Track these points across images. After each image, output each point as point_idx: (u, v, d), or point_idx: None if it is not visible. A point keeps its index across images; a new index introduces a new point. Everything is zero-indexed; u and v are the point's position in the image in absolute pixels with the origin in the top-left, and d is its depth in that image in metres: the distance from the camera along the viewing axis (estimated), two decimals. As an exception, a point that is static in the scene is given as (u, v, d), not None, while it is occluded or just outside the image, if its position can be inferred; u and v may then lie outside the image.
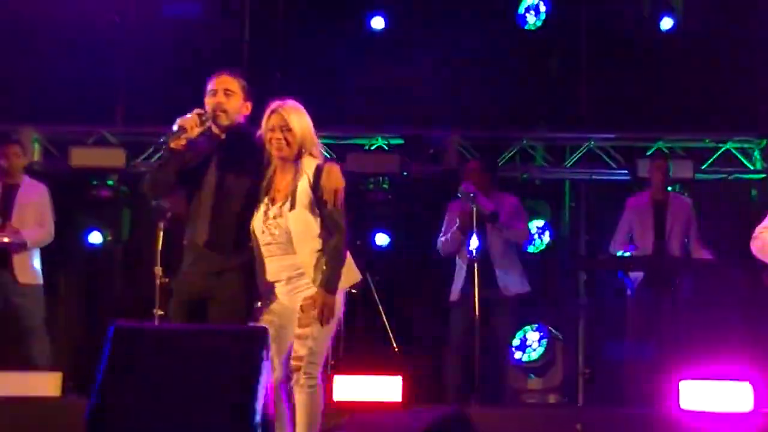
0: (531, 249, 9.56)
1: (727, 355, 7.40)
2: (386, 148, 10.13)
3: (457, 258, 8.22)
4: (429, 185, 9.88)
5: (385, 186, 9.88)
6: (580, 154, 10.08)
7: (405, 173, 9.86)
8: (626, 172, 9.82)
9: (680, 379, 6.73)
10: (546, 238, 9.81)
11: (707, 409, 6.45)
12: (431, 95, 9.79)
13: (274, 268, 5.26)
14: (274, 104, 5.29)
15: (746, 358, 7.40)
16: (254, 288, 5.31)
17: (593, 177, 10.09)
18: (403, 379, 7.08)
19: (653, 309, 8.25)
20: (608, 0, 9.98)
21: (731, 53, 9.79)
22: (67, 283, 10.07)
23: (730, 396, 6.47)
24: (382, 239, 9.79)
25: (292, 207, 5.20)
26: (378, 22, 10.07)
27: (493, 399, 8.08)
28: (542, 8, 9.96)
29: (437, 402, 7.87)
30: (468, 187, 7.87)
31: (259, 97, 5.50)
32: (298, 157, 5.25)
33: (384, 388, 7.06)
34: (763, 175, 9.92)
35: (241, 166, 5.36)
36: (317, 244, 5.21)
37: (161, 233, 7.68)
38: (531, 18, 10.00)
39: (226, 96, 5.41)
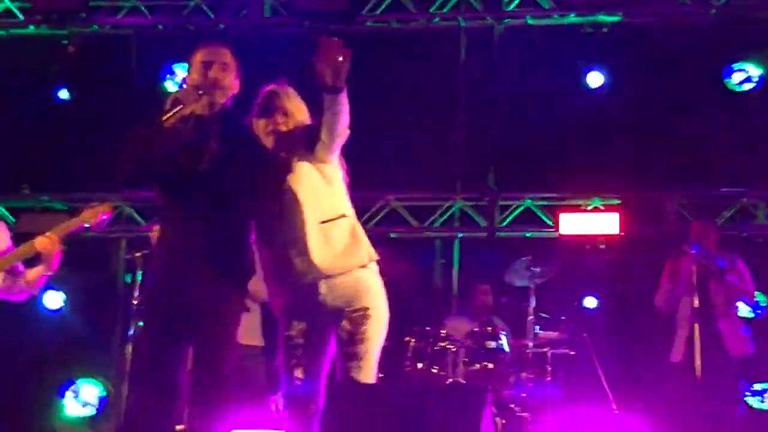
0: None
1: None
2: (602, 208, 10.08)
3: (677, 317, 8.10)
4: (647, 246, 9.72)
5: (602, 246, 9.84)
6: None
7: (624, 233, 9.79)
8: None
9: None
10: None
11: None
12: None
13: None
14: (269, 87, 4.65)
15: None
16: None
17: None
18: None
19: None
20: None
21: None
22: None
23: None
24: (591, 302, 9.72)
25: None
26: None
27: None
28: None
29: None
30: (697, 247, 7.79)
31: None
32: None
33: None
34: None
35: (241, 159, 4.46)
36: (323, 211, 4.57)
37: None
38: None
39: (222, 70, 4.55)
